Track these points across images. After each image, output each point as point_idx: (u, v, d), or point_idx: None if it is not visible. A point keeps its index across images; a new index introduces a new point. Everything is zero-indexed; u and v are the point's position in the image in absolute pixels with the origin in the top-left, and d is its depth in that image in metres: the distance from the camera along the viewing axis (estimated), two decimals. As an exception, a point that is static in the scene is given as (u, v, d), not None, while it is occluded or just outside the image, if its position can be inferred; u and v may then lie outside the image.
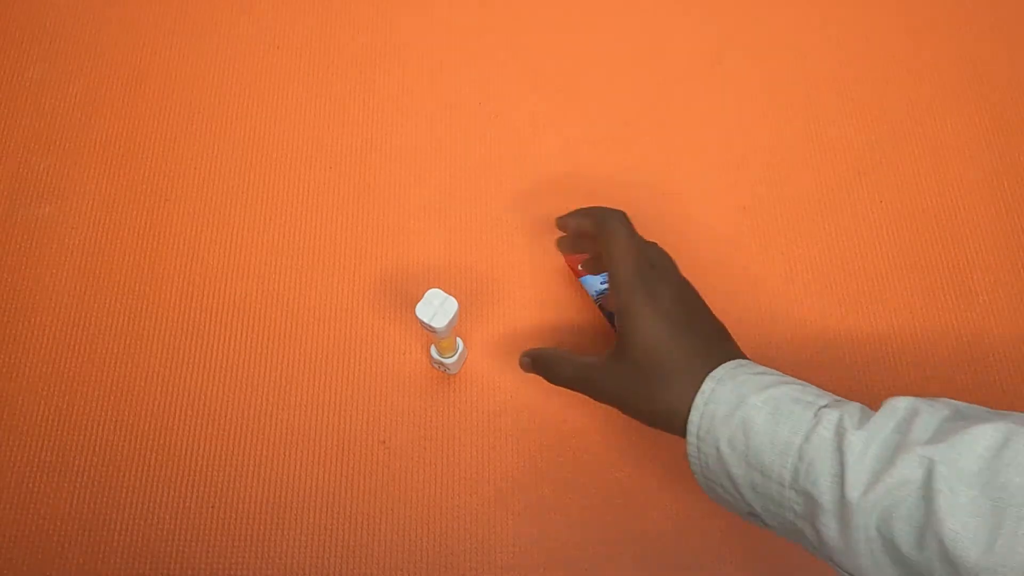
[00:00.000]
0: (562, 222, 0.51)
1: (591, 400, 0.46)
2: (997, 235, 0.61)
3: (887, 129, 0.65)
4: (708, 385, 0.40)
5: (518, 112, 0.64)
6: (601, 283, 0.56)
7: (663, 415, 0.41)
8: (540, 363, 0.49)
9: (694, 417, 0.40)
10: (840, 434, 0.36)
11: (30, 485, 0.53)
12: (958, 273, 0.60)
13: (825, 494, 0.35)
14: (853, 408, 0.37)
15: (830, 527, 0.35)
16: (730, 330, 0.46)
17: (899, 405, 0.36)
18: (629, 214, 0.48)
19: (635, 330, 0.42)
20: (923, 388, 0.56)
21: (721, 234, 0.60)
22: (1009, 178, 0.63)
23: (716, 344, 0.44)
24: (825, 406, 0.38)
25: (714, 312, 0.47)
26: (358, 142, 0.63)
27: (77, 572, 0.51)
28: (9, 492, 0.52)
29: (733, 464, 0.38)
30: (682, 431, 0.41)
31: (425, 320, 0.44)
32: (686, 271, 0.48)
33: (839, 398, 0.39)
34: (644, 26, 0.68)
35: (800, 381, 0.41)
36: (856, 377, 0.56)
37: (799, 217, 0.61)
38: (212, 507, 0.52)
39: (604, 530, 0.52)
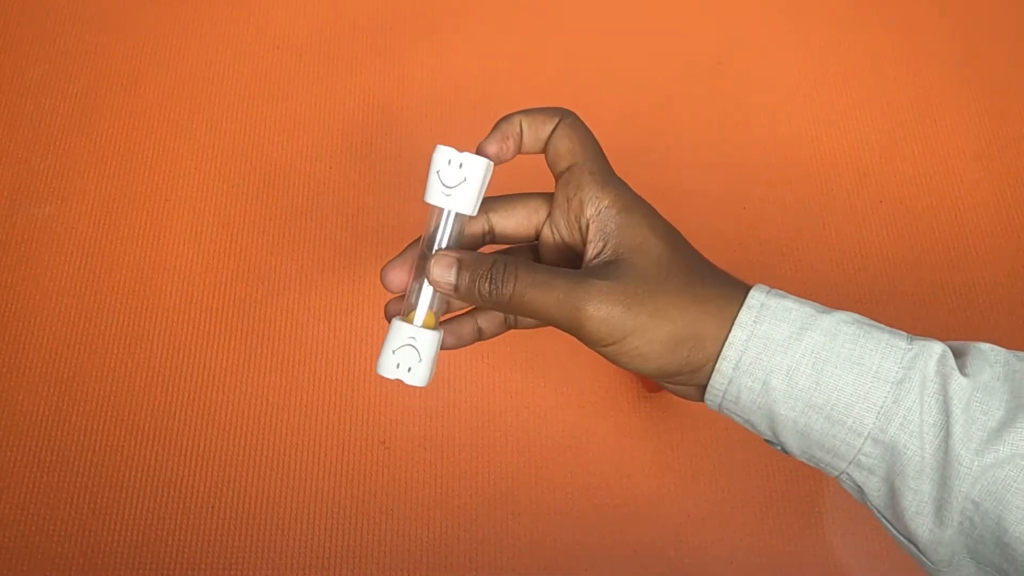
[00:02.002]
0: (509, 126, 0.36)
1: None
2: (997, 235, 0.61)
3: (887, 129, 0.65)
4: (757, 297, 0.30)
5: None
6: None
7: (684, 343, 0.30)
8: (511, 276, 0.31)
9: (737, 339, 0.29)
10: (944, 374, 0.28)
11: (30, 485, 0.53)
12: (958, 272, 0.60)
13: (921, 448, 0.27)
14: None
15: (920, 490, 0.28)
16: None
17: (984, 349, 0.30)
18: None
19: (639, 233, 0.32)
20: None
21: (721, 234, 0.60)
22: (1009, 178, 0.63)
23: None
24: (912, 337, 0.29)
25: None
26: (358, 141, 0.63)
27: (77, 572, 0.51)
28: (9, 492, 0.52)
29: (784, 404, 0.29)
30: (705, 364, 0.30)
31: (449, 185, 0.28)
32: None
33: None
34: (644, 26, 0.68)
35: None
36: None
37: (799, 217, 0.61)
38: (212, 507, 0.52)
39: (605, 533, 0.52)
